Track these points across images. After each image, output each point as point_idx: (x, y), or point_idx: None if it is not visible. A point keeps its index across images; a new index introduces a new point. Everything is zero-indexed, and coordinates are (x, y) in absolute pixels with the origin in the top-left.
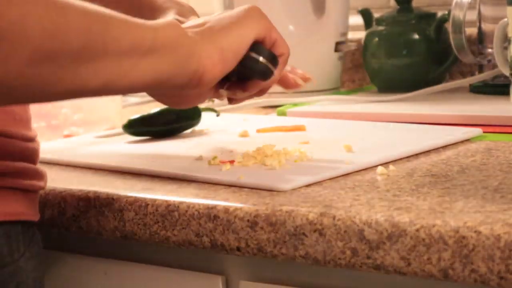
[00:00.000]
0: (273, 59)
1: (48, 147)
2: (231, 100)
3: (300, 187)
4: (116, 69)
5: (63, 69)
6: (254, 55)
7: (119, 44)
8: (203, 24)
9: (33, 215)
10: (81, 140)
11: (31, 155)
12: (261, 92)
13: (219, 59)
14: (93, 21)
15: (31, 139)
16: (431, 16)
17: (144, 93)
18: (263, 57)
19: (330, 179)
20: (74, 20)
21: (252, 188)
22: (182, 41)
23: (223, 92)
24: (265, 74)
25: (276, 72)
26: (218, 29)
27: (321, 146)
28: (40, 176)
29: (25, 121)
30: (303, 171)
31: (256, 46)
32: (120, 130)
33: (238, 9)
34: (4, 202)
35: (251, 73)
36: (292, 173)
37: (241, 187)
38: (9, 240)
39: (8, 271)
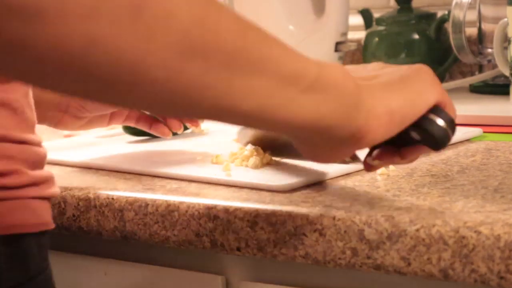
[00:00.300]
0: (452, 126)
1: (49, 147)
2: (369, 168)
3: (300, 187)
4: (273, 94)
5: (214, 73)
6: (434, 117)
7: (279, 67)
8: (372, 78)
9: (52, 223)
10: (81, 140)
11: (43, 161)
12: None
13: (386, 122)
14: (248, 27)
15: (40, 144)
16: (431, 16)
17: None
18: (444, 121)
19: (330, 179)
20: (226, 16)
21: (252, 188)
22: (350, 89)
23: (374, 162)
24: (443, 141)
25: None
26: (390, 88)
27: None
28: (54, 182)
29: (34, 126)
30: (303, 171)
31: (435, 108)
32: (120, 130)
33: (406, 68)
34: (38, 212)
35: (427, 138)
36: (292, 173)
37: (241, 187)
38: (41, 249)
39: (42, 279)
